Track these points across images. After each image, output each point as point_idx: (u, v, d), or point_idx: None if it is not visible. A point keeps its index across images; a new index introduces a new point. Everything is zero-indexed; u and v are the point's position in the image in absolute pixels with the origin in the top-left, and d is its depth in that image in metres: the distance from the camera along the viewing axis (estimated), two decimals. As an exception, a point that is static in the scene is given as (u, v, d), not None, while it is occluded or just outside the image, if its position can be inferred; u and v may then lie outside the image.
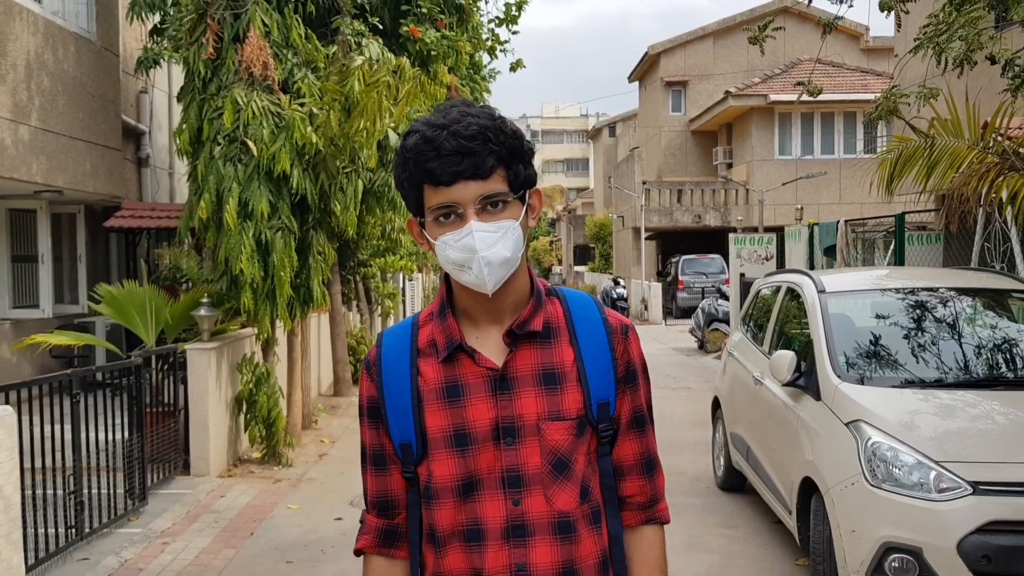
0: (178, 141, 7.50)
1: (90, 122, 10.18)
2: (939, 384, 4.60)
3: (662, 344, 18.76)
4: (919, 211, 8.69)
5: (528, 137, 1.64)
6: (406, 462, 1.59)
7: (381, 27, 8.65)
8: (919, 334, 4.98)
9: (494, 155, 1.50)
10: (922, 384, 4.61)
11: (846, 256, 10.89)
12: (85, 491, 5.50)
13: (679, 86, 31.37)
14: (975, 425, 4.29)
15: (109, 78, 10.74)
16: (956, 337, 4.94)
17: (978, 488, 3.79)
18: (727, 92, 26.99)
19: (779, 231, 14.89)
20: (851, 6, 7.14)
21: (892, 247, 9.99)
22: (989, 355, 4.87)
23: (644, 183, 28.42)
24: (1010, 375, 4.78)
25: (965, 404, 4.41)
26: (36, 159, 9.00)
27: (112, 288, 7.75)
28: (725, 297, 17.42)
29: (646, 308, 26.78)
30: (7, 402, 4.58)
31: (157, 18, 10.04)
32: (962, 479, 3.83)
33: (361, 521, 1.69)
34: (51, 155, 9.29)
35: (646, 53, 32.41)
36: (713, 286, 20.57)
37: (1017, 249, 8.00)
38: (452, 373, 1.57)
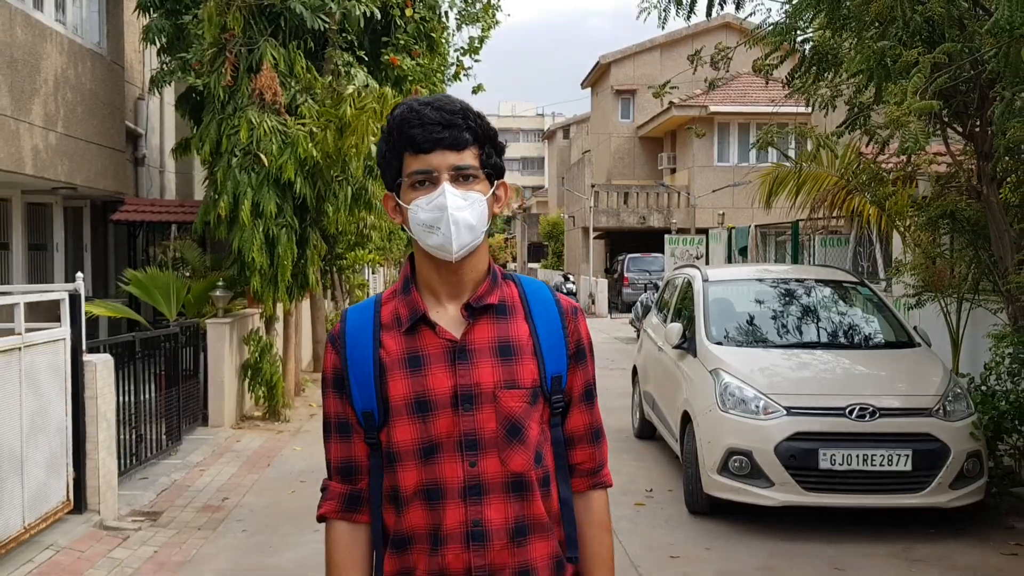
0: (199, 152, 9.06)
1: (102, 127, 11.61)
2: (780, 345, 6.46)
3: (606, 334, 20.61)
4: (808, 219, 10.62)
5: None
6: (368, 429, 1.69)
7: (366, 57, 10.27)
8: (772, 310, 6.84)
9: (470, 131, 1.66)
10: (767, 345, 6.46)
11: (756, 255, 12.83)
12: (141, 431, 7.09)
13: (628, 94, 33.33)
14: (797, 371, 6.13)
15: (116, 88, 12.17)
16: (798, 312, 6.81)
17: (790, 411, 5.62)
18: (671, 102, 28.95)
19: (708, 233, 16.85)
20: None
21: (797, 247, 11.94)
22: (819, 325, 6.74)
23: (593, 186, 30.34)
24: (830, 339, 6.66)
25: (794, 358, 6.27)
26: (61, 161, 10.45)
27: (138, 273, 9.29)
28: (662, 291, 19.31)
29: (593, 302, 28.70)
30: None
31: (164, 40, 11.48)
32: (780, 405, 5.65)
33: (323, 489, 1.77)
34: (72, 157, 10.73)
35: (598, 62, 34.28)
36: (652, 282, 22.51)
37: (878, 252, 9.99)
38: (414, 344, 1.67)
